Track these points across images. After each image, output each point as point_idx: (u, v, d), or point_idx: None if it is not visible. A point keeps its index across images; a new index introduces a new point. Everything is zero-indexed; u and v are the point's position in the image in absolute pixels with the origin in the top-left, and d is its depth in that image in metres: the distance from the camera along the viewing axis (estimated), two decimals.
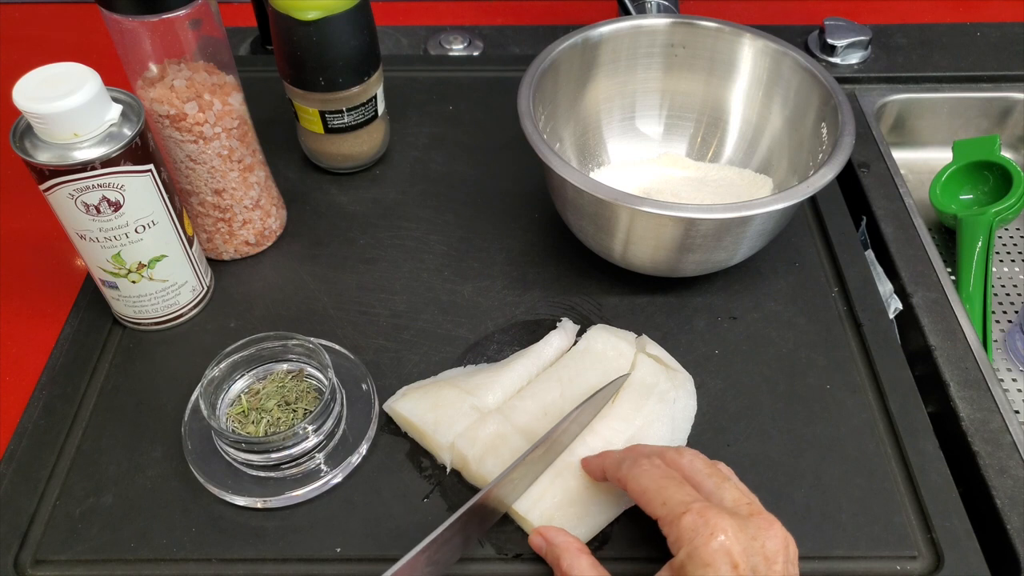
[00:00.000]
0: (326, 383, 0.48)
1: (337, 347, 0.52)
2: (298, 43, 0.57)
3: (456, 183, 0.66)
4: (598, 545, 0.44)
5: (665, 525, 0.38)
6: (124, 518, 0.46)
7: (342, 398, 0.49)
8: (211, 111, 0.51)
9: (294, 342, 0.48)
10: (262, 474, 0.46)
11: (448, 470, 0.47)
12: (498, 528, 0.45)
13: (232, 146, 0.53)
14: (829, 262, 0.60)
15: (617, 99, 0.65)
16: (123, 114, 0.45)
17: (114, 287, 0.51)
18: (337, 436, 0.48)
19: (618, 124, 0.66)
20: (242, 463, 0.46)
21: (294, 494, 0.46)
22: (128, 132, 0.45)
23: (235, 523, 0.46)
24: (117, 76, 0.48)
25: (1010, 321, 0.67)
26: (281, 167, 0.66)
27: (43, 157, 0.44)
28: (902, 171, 0.69)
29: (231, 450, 0.45)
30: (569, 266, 0.59)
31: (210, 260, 0.58)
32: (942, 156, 0.75)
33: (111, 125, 0.45)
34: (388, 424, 0.50)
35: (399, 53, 0.82)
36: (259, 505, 0.46)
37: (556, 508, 0.44)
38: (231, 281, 0.58)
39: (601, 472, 0.44)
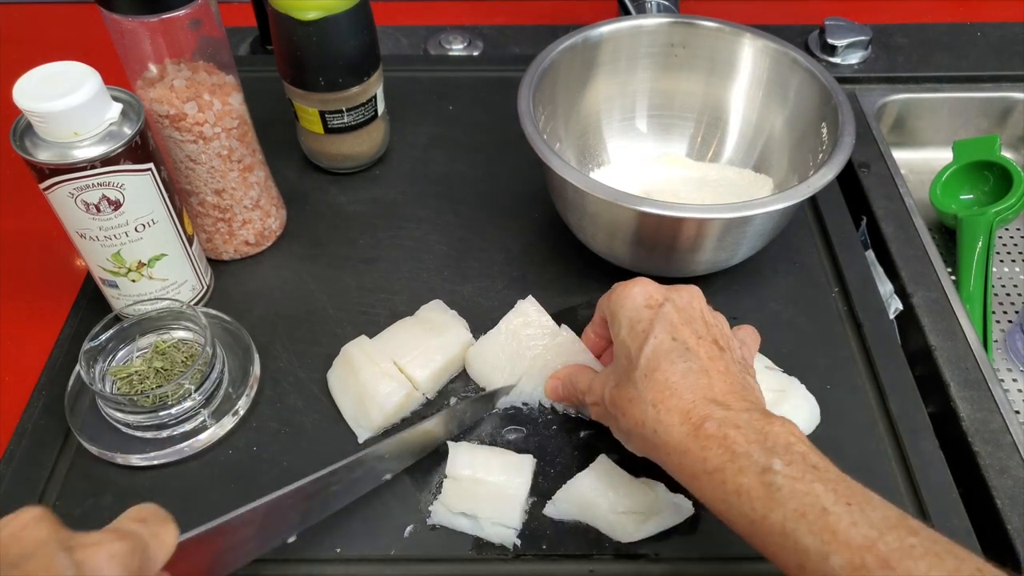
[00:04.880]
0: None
1: None
2: (298, 43, 0.57)
3: (456, 183, 0.66)
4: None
5: (606, 310, 0.45)
6: None
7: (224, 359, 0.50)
8: (211, 111, 0.51)
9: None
10: None
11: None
12: None
13: (232, 146, 0.53)
14: (829, 262, 0.60)
15: (617, 99, 0.65)
16: (123, 113, 0.45)
17: (114, 286, 0.51)
18: None
19: (618, 124, 0.66)
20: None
21: None
22: (128, 131, 0.45)
23: None
24: (117, 76, 0.48)
25: (1010, 321, 0.67)
26: (281, 167, 0.66)
27: (43, 156, 0.44)
28: (902, 171, 0.69)
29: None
30: (569, 266, 0.59)
31: (210, 260, 0.58)
32: (942, 156, 0.75)
33: (111, 124, 0.45)
34: None
35: (399, 53, 0.82)
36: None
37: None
38: (231, 281, 0.58)
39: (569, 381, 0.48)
